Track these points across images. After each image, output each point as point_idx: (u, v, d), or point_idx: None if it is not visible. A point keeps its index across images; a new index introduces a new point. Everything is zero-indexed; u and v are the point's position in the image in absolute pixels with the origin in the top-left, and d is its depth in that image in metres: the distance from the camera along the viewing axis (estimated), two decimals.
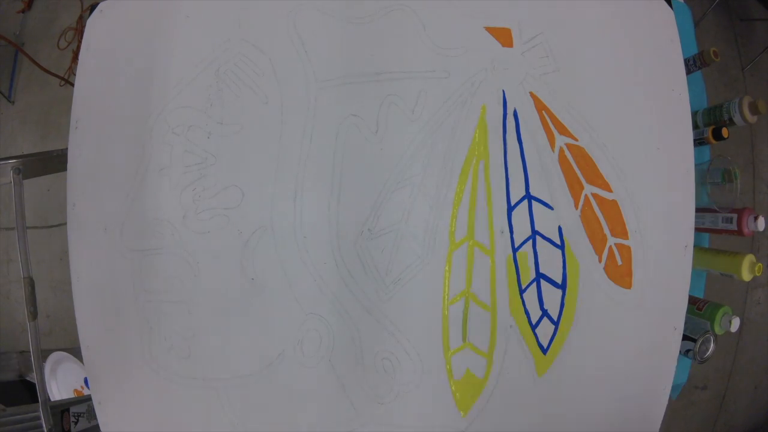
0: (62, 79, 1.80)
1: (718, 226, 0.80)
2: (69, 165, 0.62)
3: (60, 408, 0.76)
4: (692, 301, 0.78)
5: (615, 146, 0.61)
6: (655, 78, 0.64)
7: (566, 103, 0.61)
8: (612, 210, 0.61)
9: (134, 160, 0.59)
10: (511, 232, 0.59)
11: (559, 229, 0.59)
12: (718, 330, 0.75)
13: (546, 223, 0.59)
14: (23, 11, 1.94)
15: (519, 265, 0.58)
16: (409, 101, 0.59)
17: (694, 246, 0.63)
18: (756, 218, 0.76)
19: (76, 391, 1.09)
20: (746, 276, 0.75)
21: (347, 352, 0.57)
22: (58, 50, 1.84)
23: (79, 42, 1.07)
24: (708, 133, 0.80)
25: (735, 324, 0.75)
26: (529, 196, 0.59)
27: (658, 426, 0.62)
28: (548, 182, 0.60)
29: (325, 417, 0.58)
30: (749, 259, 0.75)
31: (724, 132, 0.79)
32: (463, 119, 0.59)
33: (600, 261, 0.60)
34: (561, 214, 0.59)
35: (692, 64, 0.83)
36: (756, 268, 0.76)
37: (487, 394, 0.58)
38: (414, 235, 0.57)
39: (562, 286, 0.59)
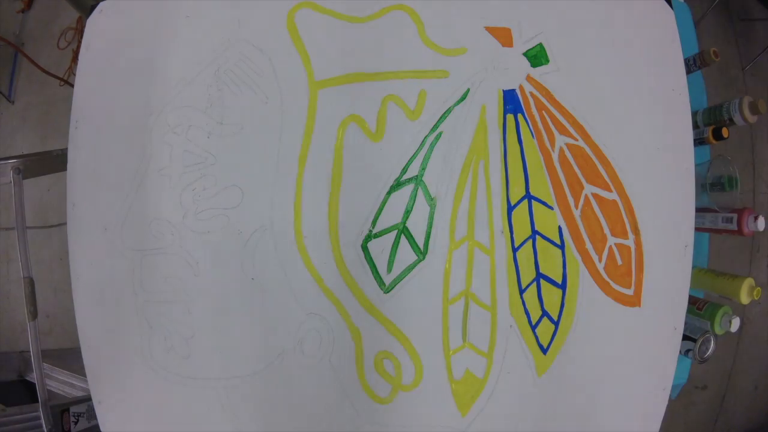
0: (62, 79, 1.80)
1: (718, 226, 0.80)
2: (69, 165, 0.62)
3: (60, 408, 0.76)
4: (692, 301, 0.78)
5: (615, 146, 0.61)
6: (655, 78, 0.64)
7: (566, 103, 0.61)
8: (612, 210, 0.61)
9: (134, 160, 0.59)
10: (511, 232, 0.59)
11: (560, 229, 0.59)
12: (718, 330, 0.75)
13: (546, 223, 0.59)
14: (23, 11, 1.94)
15: (519, 265, 0.58)
16: (409, 101, 0.59)
17: (693, 266, 0.63)
18: (756, 218, 0.76)
19: None
20: (744, 300, 0.76)
21: (347, 352, 0.57)
22: (58, 50, 1.84)
23: (79, 42, 1.07)
24: (708, 133, 0.80)
25: (735, 324, 0.75)
26: (529, 196, 0.59)
27: (658, 426, 0.62)
28: (548, 182, 0.60)
29: (325, 417, 0.58)
30: (748, 282, 0.76)
31: (724, 132, 0.79)
32: (462, 119, 0.59)
33: (600, 261, 0.60)
34: (561, 214, 0.59)
35: (692, 64, 0.83)
36: (755, 292, 0.76)
37: (487, 394, 0.58)
38: (414, 235, 0.57)
39: (562, 286, 0.59)
